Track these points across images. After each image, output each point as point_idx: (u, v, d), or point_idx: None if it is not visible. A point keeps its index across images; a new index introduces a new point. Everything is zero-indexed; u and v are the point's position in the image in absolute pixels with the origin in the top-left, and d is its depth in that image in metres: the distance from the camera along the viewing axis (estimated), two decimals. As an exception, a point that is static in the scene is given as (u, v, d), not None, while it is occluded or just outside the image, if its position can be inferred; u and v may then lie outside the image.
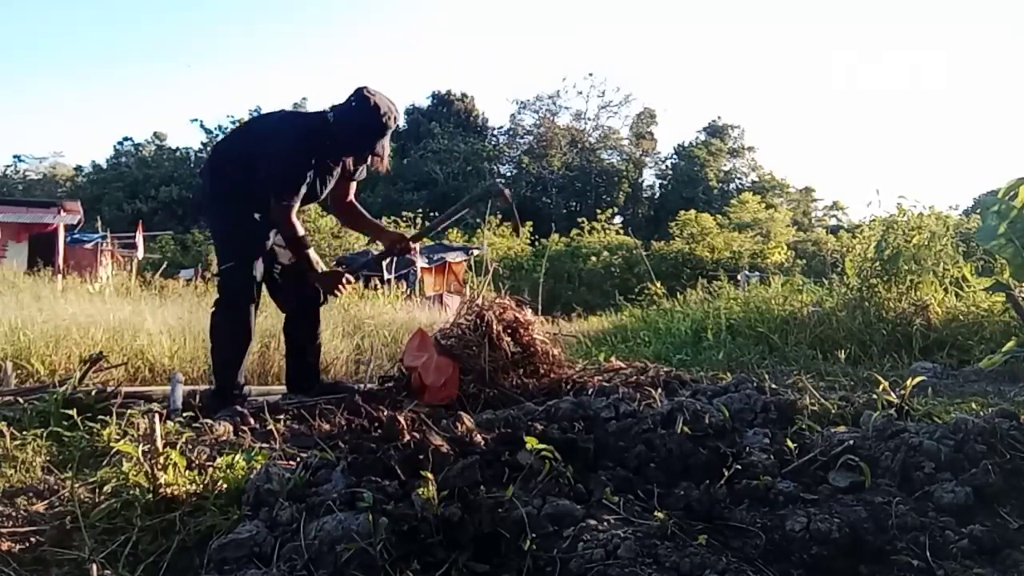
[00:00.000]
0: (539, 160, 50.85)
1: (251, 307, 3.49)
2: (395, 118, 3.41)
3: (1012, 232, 5.38)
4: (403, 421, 2.46)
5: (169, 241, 32.48)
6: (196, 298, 8.24)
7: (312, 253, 3.48)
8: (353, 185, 3.78)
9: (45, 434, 2.93)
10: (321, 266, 3.56)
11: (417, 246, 3.47)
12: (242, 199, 3.41)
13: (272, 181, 3.31)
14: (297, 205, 3.38)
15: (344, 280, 3.63)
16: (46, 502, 2.30)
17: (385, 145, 3.44)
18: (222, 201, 3.50)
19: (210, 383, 3.86)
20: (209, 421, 3.13)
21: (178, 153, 49.79)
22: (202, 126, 51.43)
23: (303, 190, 3.36)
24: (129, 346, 5.10)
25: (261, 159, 3.35)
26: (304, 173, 3.34)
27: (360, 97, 3.36)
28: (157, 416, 2.27)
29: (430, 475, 1.88)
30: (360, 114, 3.35)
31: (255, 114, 52.47)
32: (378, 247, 4.03)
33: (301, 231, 3.40)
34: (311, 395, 3.63)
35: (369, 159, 3.50)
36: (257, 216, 3.41)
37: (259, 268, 3.49)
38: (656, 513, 1.86)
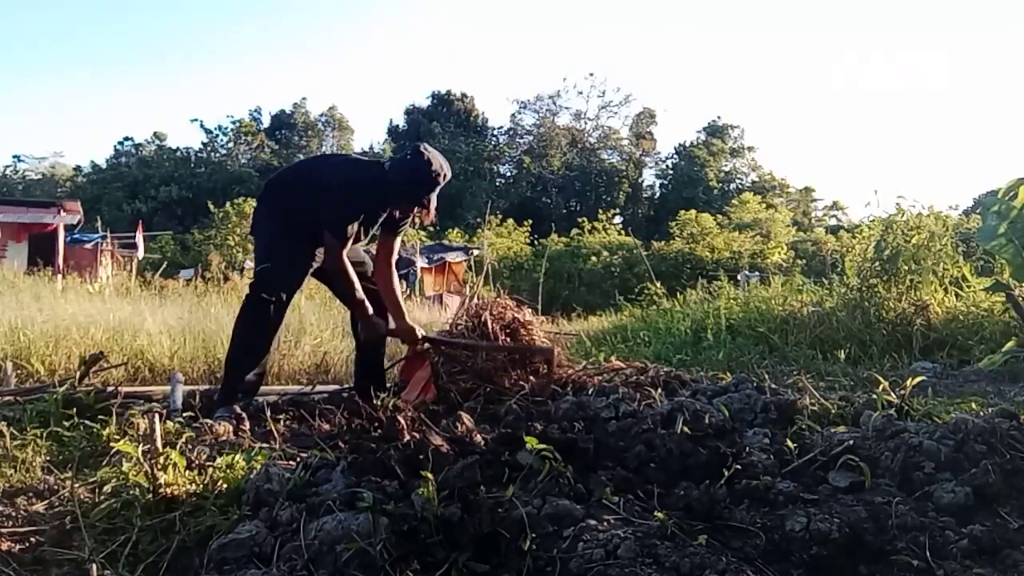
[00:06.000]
0: (539, 160, 50.85)
1: (273, 308, 3.62)
2: (445, 175, 3.68)
3: (1012, 232, 5.40)
4: (403, 421, 2.46)
5: (169, 241, 32.45)
6: (196, 298, 8.23)
7: (359, 292, 3.75)
8: (397, 243, 4.02)
9: (45, 434, 2.93)
10: (367, 305, 3.80)
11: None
12: (283, 217, 3.74)
13: (327, 220, 3.66)
14: (348, 244, 3.71)
15: (384, 333, 3.92)
16: (46, 502, 2.30)
17: (432, 199, 3.71)
18: (272, 221, 3.81)
19: (218, 380, 3.93)
20: (209, 421, 3.13)
21: (178, 153, 49.73)
22: (202, 126, 51.49)
23: (352, 231, 3.69)
24: (129, 346, 5.11)
25: (322, 199, 3.67)
26: (356, 215, 3.66)
27: (416, 152, 3.69)
28: (157, 416, 2.27)
29: (430, 475, 1.88)
30: (414, 166, 3.64)
31: (255, 115, 53.07)
32: None
33: (348, 268, 3.71)
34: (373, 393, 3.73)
35: (416, 210, 3.78)
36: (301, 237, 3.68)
37: (293, 277, 3.72)
38: (656, 513, 1.86)
